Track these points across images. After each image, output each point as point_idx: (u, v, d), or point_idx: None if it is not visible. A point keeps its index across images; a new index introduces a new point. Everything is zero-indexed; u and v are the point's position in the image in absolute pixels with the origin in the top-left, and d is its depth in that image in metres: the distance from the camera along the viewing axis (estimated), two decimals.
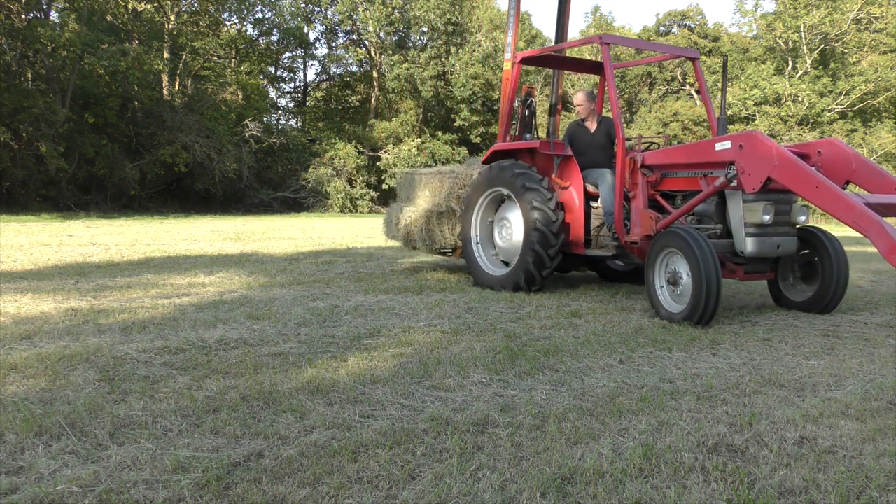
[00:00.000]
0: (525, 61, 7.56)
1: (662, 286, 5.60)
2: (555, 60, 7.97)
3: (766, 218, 5.40)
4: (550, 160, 6.86)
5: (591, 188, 6.78)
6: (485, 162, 7.47)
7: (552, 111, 8.48)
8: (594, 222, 6.90)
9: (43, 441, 2.78)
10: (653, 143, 6.86)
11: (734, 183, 5.35)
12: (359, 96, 41.38)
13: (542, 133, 8.97)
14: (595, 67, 8.35)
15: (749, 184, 5.23)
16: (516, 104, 7.78)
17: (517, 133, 7.77)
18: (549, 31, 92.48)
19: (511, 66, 7.62)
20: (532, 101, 7.70)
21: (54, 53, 23.91)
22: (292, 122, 39.77)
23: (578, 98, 7.35)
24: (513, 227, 6.92)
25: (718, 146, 5.49)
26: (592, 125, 7.22)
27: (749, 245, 5.48)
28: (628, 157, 6.16)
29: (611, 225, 6.51)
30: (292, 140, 32.96)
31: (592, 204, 6.86)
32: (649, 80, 40.25)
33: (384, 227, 9.08)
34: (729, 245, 5.62)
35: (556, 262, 6.59)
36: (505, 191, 6.93)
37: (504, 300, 6.38)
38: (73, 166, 24.14)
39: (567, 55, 8.18)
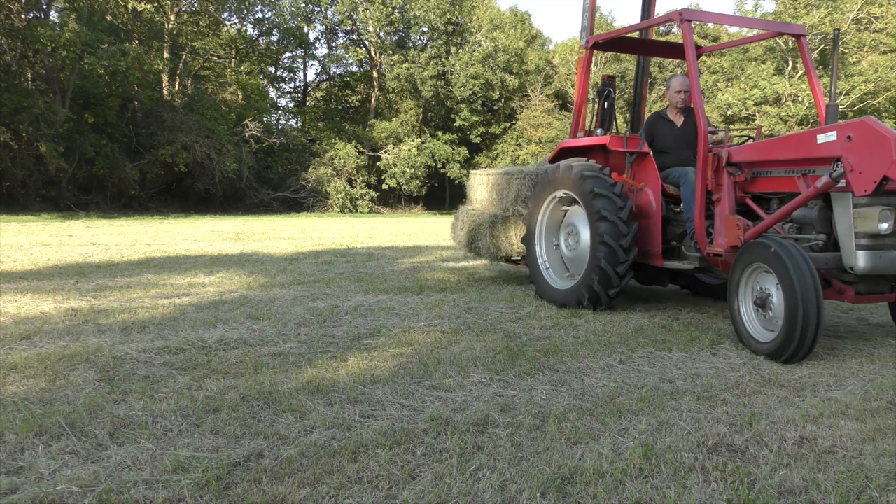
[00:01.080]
0: (598, 46, 6.71)
1: (748, 308, 4.66)
2: (630, 44, 7.12)
3: (884, 227, 4.37)
4: (624, 158, 6.04)
5: (671, 190, 5.86)
6: (552, 161, 6.70)
7: (636, 102, 7.55)
8: (677, 229, 5.90)
9: (43, 441, 2.78)
10: (748, 136, 6.05)
11: (841, 183, 4.34)
12: (359, 96, 41.40)
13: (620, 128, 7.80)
14: (676, 50, 7.26)
15: (860, 184, 4.22)
16: (591, 95, 6.91)
17: (591, 127, 6.91)
18: (550, 31, 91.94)
19: (585, 52, 6.78)
20: (610, 92, 6.88)
21: (54, 53, 23.92)
22: (292, 122, 39.81)
23: (677, 84, 6.12)
24: (580, 235, 6.10)
25: (821, 138, 4.48)
26: (679, 118, 6.16)
27: (861, 260, 4.41)
28: (711, 154, 5.28)
29: (692, 232, 5.56)
30: (292, 140, 32.98)
31: (674, 208, 5.95)
32: (649, 80, 40.24)
33: (451, 232, 8.35)
34: (835, 259, 4.56)
35: (624, 281, 5.78)
36: (571, 194, 6.11)
37: (504, 300, 6.38)
38: (73, 166, 24.15)
39: (644, 37, 7.23)
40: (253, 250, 11.15)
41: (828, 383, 3.82)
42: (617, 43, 7.00)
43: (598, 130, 6.69)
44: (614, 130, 6.83)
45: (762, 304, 4.53)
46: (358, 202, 32.93)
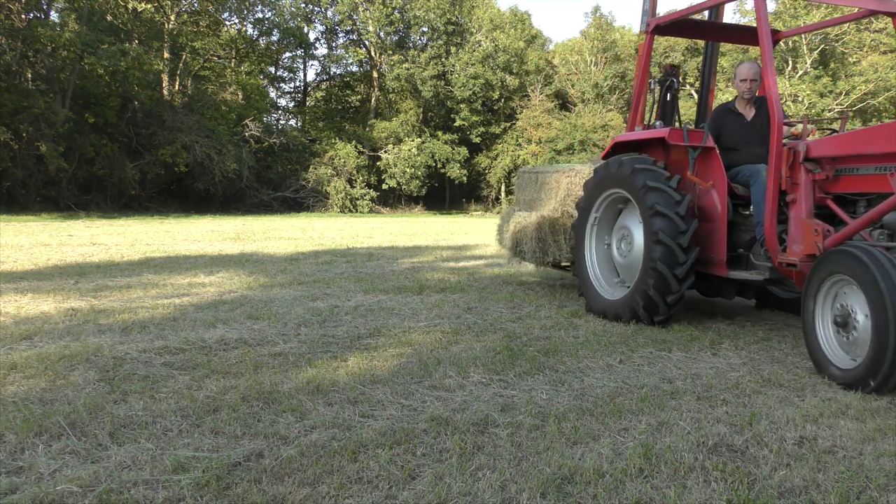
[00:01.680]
0: (659, 30, 5.97)
1: (826, 328, 4.00)
2: (695, 27, 6.38)
3: None
4: (685, 154, 5.37)
5: (740, 190, 5.19)
6: (605, 157, 6.03)
7: (703, 94, 6.76)
8: (745, 235, 5.20)
9: (43, 441, 2.78)
10: (831, 130, 5.35)
11: None
12: (359, 96, 41.44)
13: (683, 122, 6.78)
14: (747, 35, 6.44)
15: None
16: (652, 85, 6.27)
17: (650, 121, 6.24)
18: (550, 31, 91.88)
19: (644, 37, 6.05)
20: (674, 82, 6.22)
21: (54, 53, 23.93)
22: (292, 122, 39.84)
23: (745, 70, 5.35)
24: (633, 239, 5.51)
25: None
26: (749, 110, 5.43)
27: None
28: (786, 148, 4.60)
29: (762, 239, 4.88)
30: (292, 140, 33.00)
31: (742, 211, 5.25)
32: (649, 81, 40.20)
33: (497, 234, 7.72)
34: None
35: (685, 286, 5.11)
36: (623, 192, 5.52)
37: (504, 300, 6.38)
38: (73, 166, 24.16)
39: (712, 19, 6.37)
40: (253, 250, 11.15)
41: (828, 383, 3.82)
42: (680, 26, 6.13)
43: (658, 123, 6.05)
44: (676, 125, 6.18)
45: (843, 323, 3.85)
46: (358, 202, 32.94)
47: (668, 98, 6.22)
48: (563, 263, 6.90)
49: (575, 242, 6.09)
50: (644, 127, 6.08)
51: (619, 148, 5.93)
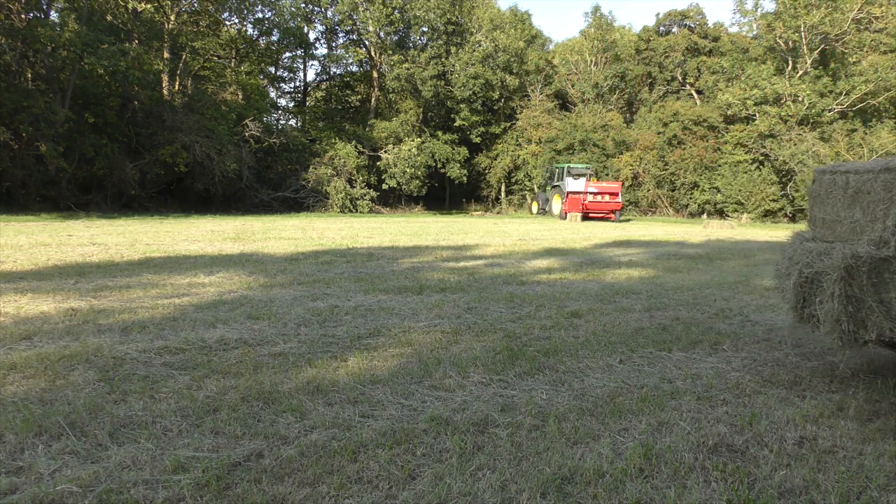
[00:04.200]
0: None
1: None
2: None
3: None
4: None
5: None
6: None
7: None
8: None
9: (43, 441, 2.78)
10: None
11: None
12: (359, 96, 41.48)
13: None
14: None
15: None
16: None
17: None
18: (550, 31, 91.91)
19: None
20: None
21: (54, 53, 23.93)
22: (292, 122, 39.87)
23: None
24: None
25: None
26: None
27: None
28: None
29: None
30: (292, 140, 33.01)
31: None
32: (649, 80, 40.28)
33: (775, 278, 4.45)
34: None
35: None
36: None
37: (504, 300, 6.38)
38: (73, 166, 24.16)
39: None
40: (253, 250, 11.14)
41: (828, 383, 3.82)
42: None
43: None
44: None
45: None
46: (358, 202, 32.94)
47: None
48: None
49: None
50: None
51: None
